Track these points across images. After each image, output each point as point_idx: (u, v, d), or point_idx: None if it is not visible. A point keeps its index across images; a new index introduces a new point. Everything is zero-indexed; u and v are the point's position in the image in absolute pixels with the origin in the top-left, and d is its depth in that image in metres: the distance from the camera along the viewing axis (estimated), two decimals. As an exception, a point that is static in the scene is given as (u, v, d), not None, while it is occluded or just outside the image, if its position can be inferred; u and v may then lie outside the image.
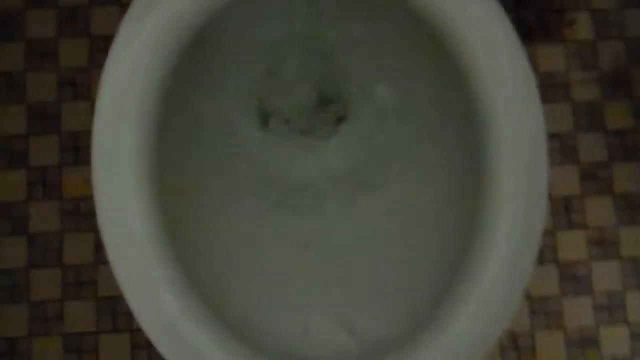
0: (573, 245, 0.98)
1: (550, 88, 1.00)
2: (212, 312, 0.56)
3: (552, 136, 0.99)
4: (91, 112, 0.60)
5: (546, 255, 0.97)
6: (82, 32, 0.97)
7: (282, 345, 0.62)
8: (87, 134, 0.59)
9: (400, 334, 0.61)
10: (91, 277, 0.93)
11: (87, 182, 0.94)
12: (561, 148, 0.99)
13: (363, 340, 0.65)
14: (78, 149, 0.95)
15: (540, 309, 0.96)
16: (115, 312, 0.93)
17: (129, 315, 0.92)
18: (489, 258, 0.58)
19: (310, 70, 0.82)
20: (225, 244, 0.70)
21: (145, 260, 0.56)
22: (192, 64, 0.66)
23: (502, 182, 0.59)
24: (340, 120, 0.82)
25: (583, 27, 1.01)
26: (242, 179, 0.78)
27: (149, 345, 0.92)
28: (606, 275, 0.97)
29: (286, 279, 0.72)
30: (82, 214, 0.94)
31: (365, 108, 0.81)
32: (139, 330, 0.90)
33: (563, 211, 0.98)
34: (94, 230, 0.93)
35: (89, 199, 0.93)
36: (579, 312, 0.97)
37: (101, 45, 0.96)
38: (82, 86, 0.96)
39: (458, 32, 0.60)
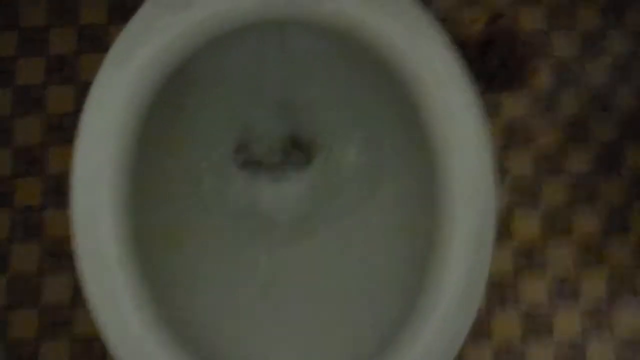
0: (534, 289, 1.01)
1: (514, 133, 1.05)
2: (181, 340, 0.61)
3: (516, 179, 1.03)
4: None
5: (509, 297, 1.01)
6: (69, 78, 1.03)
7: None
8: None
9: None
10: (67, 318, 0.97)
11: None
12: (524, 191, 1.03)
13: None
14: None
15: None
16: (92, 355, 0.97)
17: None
18: (440, 298, 0.62)
19: (281, 119, 0.87)
20: (199, 279, 0.74)
21: (117, 287, 0.60)
22: (168, 107, 0.71)
23: (454, 224, 0.63)
24: (309, 162, 0.87)
25: (545, 75, 1.06)
26: (217, 215, 0.82)
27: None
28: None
29: (251, 317, 0.76)
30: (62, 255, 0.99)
31: (332, 152, 0.86)
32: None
33: (525, 254, 1.02)
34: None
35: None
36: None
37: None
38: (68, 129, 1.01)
39: (412, 71, 0.65)
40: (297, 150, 0.88)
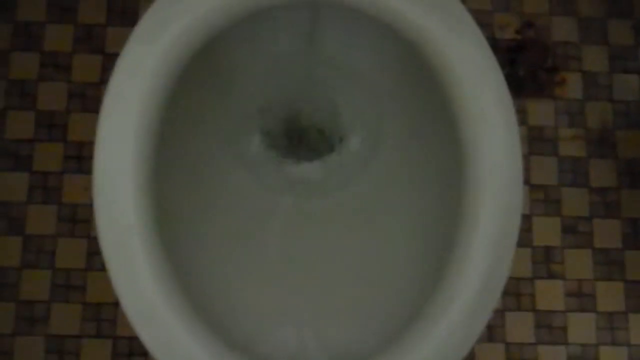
0: (550, 295, 1.00)
1: (538, 142, 1.04)
2: (192, 305, 0.59)
3: (537, 187, 1.03)
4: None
5: (524, 302, 1.00)
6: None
7: (253, 349, 0.64)
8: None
9: (371, 350, 0.63)
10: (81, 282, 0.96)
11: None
12: (545, 200, 1.02)
13: (334, 355, 0.67)
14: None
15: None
16: (100, 319, 0.95)
17: (113, 322, 0.95)
18: (460, 290, 0.60)
19: (306, 101, 0.86)
20: (213, 248, 0.73)
21: (134, 251, 0.59)
22: (194, 84, 0.70)
23: (477, 223, 0.61)
24: (331, 147, 0.86)
25: (573, 87, 1.06)
26: (236, 192, 0.81)
27: (130, 354, 0.94)
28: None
29: (266, 289, 0.75)
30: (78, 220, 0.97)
31: (357, 140, 0.85)
32: (121, 337, 0.93)
33: (543, 260, 1.01)
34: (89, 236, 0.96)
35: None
36: None
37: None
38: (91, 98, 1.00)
39: (448, 65, 0.64)
40: (322, 138, 0.87)
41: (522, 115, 1.04)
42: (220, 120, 0.82)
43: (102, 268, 0.70)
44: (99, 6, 1.03)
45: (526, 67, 1.05)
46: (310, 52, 0.81)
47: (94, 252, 0.96)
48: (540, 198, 1.02)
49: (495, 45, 1.05)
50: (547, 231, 1.02)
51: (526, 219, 1.01)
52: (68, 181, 0.98)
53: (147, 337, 0.56)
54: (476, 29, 0.65)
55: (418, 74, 0.69)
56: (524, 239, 1.01)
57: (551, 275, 1.00)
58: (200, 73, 0.69)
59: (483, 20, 1.06)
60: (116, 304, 0.94)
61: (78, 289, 0.95)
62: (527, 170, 1.02)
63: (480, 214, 0.61)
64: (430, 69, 0.65)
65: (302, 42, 0.80)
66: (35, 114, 0.99)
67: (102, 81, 1.00)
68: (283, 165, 0.85)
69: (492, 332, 0.98)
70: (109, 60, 1.01)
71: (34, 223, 0.97)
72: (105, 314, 0.95)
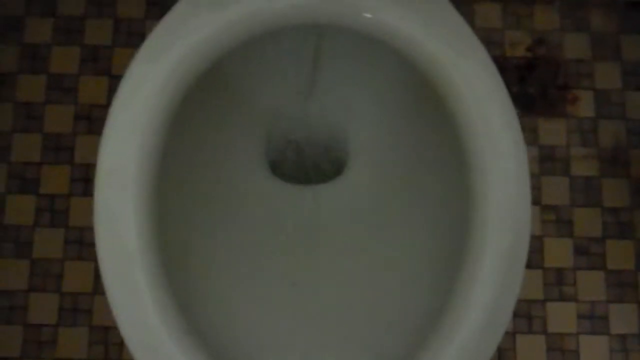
0: (562, 318, 0.99)
1: (550, 161, 1.02)
2: (196, 336, 0.58)
3: (548, 208, 1.01)
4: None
5: (536, 324, 0.98)
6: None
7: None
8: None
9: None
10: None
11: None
12: (557, 220, 1.01)
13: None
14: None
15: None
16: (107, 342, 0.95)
17: (120, 345, 0.94)
18: (468, 313, 0.59)
19: (312, 125, 0.85)
20: (217, 276, 0.72)
21: (136, 281, 0.58)
22: (199, 105, 0.69)
23: (485, 245, 0.60)
24: (339, 170, 0.85)
25: (585, 105, 1.04)
26: (242, 218, 0.80)
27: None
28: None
29: (271, 317, 0.74)
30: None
31: (365, 164, 0.84)
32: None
33: (555, 282, 0.99)
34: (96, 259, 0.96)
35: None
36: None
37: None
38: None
39: (454, 91, 0.63)
40: (328, 160, 0.86)
41: (533, 134, 1.03)
42: (225, 143, 0.81)
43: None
44: (105, 27, 1.02)
45: (537, 85, 1.04)
46: (315, 76, 0.80)
47: (101, 276, 0.95)
48: (552, 219, 1.01)
49: (506, 63, 1.04)
50: (559, 252, 1.00)
51: (537, 240, 1.00)
52: (75, 204, 0.98)
53: None
54: (484, 52, 0.64)
55: (424, 98, 0.68)
56: (535, 260, 0.99)
57: (563, 298, 0.99)
58: (203, 94, 0.68)
59: (493, 38, 1.05)
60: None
61: (85, 312, 0.95)
62: (538, 190, 1.01)
63: (488, 236, 0.60)
64: (436, 94, 0.64)
65: (307, 66, 0.79)
66: (42, 137, 0.99)
67: (109, 103, 0.99)
68: (288, 190, 0.84)
69: (503, 355, 0.97)
70: (115, 82, 1.00)
71: (41, 246, 0.97)
72: (113, 338, 0.94)
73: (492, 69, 0.63)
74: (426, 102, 0.68)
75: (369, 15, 0.64)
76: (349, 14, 0.64)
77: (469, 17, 1.05)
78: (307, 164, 0.87)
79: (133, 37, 1.02)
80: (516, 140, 0.62)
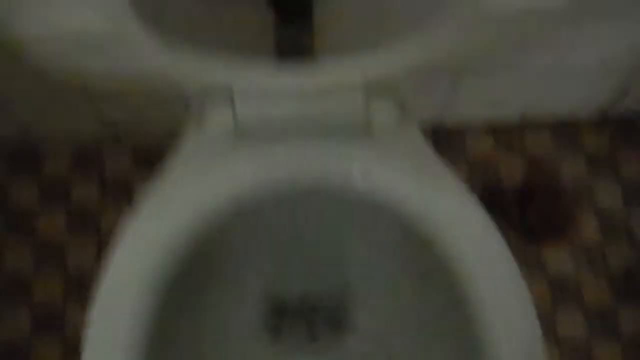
0: None
1: (560, 290, 0.99)
2: None
3: (564, 339, 0.97)
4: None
5: None
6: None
7: None
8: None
9: None
10: None
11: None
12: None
13: None
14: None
15: None
16: None
17: None
18: None
19: (310, 284, 0.82)
20: None
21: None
22: (193, 277, 0.67)
23: None
24: (340, 328, 0.82)
25: (589, 227, 1.02)
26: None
27: None
28: None
29: None
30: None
31: (365, 320, 0.82)
32: None
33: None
34: None
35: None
36: None
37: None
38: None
39: (448, 243, 0.61)
40: (326, 322, 0.83)
41: (539, 261, 1.00)
42: (221, 312, 0.79)
43: None
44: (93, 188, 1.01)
45: (538, 213, 1.01)
46: (306, 239, 0.78)
47: None
48: (567, 351, 0.96)
49: (503, 195, 1.02)
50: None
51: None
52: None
53: None
54: (470, 199, 0.63)
55: (419, 253, 0.66)
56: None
57: None
58: (198, 265, 0.67)
59: (489, 165, 1.03)
60: None
61: None
62: (552, 323, 0.97)
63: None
64: (430, 246, 0.63)
65: (300, 231, 0.77)
66: (31, 309, 0.96)
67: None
68: (288, 353, 0.81)
69: None
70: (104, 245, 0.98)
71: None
72: None
73: (478, 212, 0.62)
74: (423, 261, 0.67)
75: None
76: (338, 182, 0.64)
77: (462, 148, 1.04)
78: (305, 324, 0.84)
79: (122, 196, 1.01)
80: (515, 278, 0.60)
